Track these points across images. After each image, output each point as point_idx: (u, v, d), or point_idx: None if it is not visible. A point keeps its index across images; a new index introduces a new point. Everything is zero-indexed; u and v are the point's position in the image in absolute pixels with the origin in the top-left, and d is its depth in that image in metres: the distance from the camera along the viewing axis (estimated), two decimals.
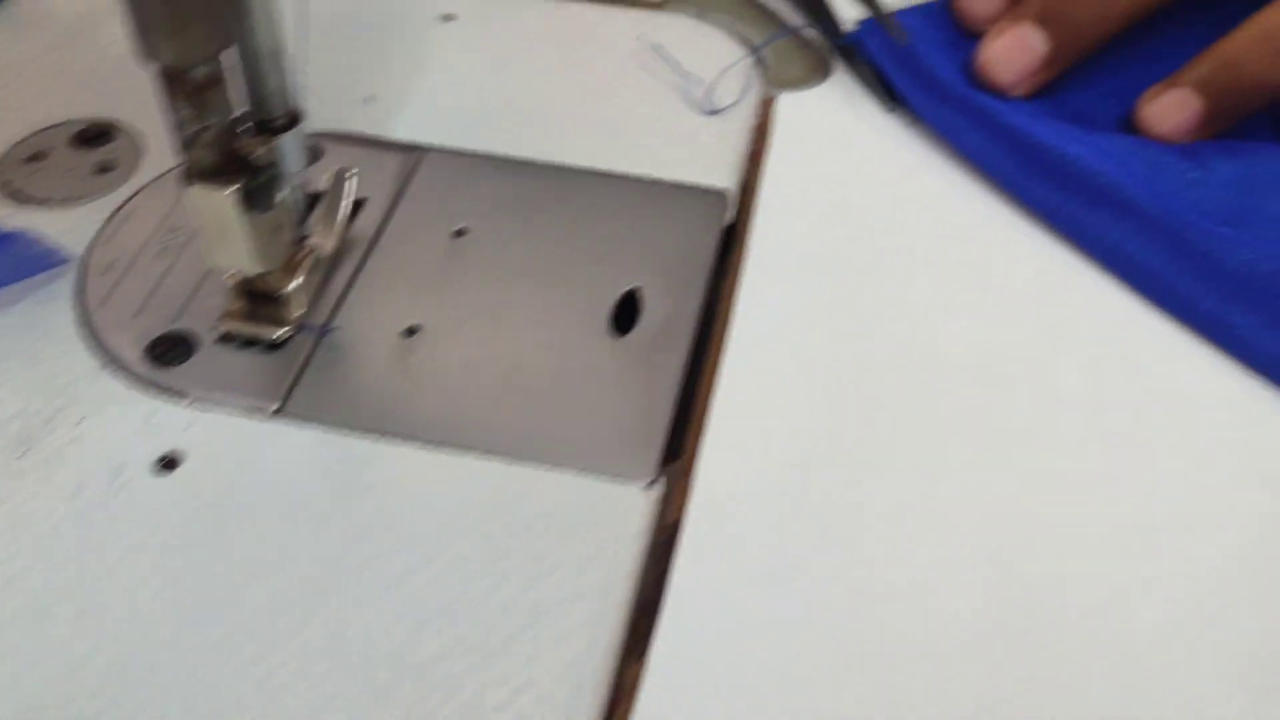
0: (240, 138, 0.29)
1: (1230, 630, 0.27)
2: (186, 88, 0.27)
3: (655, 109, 0.39)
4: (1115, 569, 0.28)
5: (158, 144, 0.38)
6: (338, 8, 0.42)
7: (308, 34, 0.33)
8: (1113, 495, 0.30)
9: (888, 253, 0.35)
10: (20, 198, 0.36)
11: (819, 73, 0.41)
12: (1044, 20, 0.37)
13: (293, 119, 0.31)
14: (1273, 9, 0.36)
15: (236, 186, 0.28)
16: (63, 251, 0.34)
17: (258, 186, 0.29)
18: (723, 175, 0.37)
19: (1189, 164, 0.35)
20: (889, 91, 0.39)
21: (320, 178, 0.35)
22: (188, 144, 0.28)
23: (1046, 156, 0.35)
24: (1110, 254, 0.34)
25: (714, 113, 0.39)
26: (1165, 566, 0.28)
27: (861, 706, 0.26)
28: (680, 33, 0.42)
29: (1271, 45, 0.35)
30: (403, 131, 0.38)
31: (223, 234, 0.29)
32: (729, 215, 0.37)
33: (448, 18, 0.43)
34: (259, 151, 0.30)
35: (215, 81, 0.27)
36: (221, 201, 0.28)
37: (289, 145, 0.31)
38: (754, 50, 0.41)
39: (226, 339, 0.32)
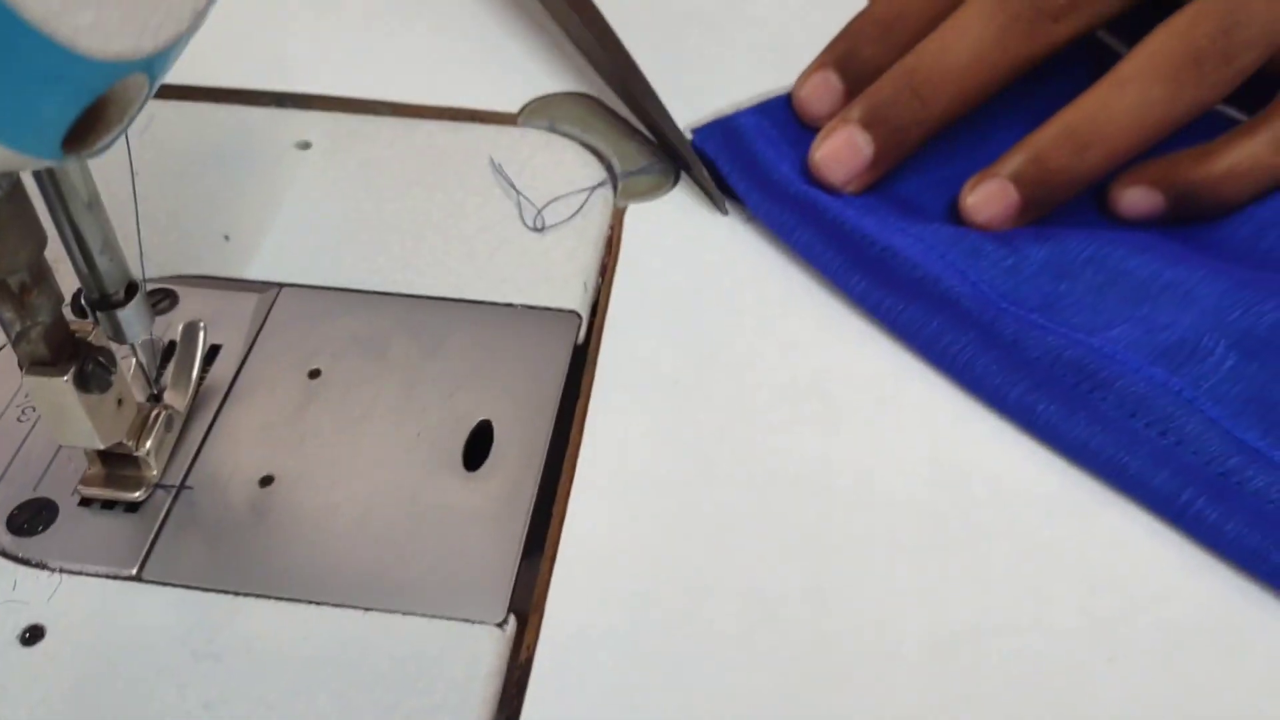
0: (73, 321, 0.30)
1: None
2: (6, 294, 0.28)
3: (507, 230, 0.40)
4: (928, 684, 0.30)
5: None
6: (195, 142, 0.43)
7: (136, 193, 0.34)
8: (932, 606, 0.31)
9: (731, 367, 0.36)
10: None
11: (669, 180, 0.42)
12: (868, 123, 0.39)
13: (130, 291, 0.32)
14: (1075, 106, 0.37)
15: (70, 374, 0.29)
16: None
17: (93, 370, 0.30)
18: (573, 296, 0.38)
19: (1005, 250, 0.37)
20: (729, 193, 0.41)
21: (174, 327, 0.35)
22: (17, 340, 0.29)
23: (869, 250, 0.37)
24: (929, 346, 0.36)
25: (542, 230, 0.40)
26: (977, 682, 0.30)
27: None
28: (533, 147, 0.43)
29: (1074, 141, 0.37)
30: (258, 269, 0.39)
31: (63, 417, 0.30)
32: (580, 335, 0.38)
33: (304, 145, 0.44)
34: (93, 334, 0.30)
35: (36, 284, 0.28)
36: (58, 388, 0.29)
37: (131, 315, 0.32)
38: (610, 179, 0.42)
39: (86, 503, 0.33)
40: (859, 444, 0.34)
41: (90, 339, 0.30)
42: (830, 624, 0.31)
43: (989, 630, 0.31)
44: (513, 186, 0.41)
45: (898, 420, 0.35)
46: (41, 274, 0.28)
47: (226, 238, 0.40)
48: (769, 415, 0.35)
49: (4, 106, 0.20)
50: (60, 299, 0.29)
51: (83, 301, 0.31)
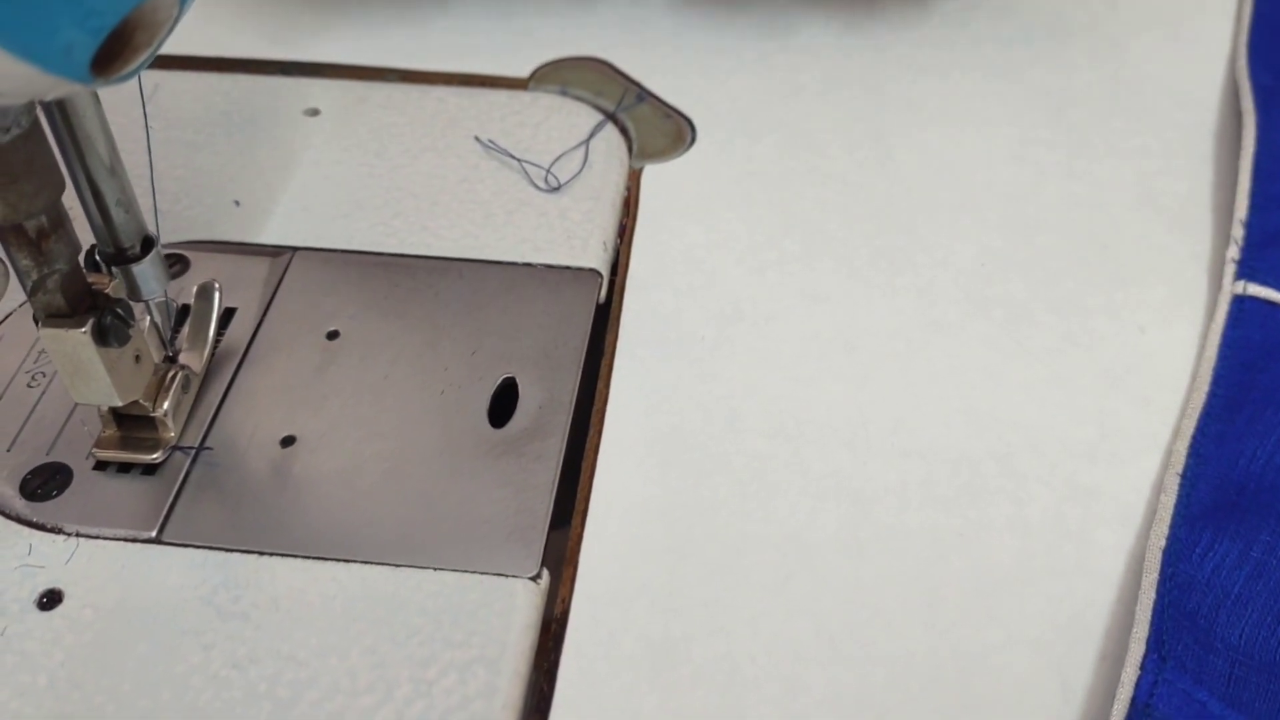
0: (89, 275, 0.29)
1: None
2: (23, 240, 0.27)
3: (524, 193, 0.40)
4: (971, 631, 0.29)
5: None
6: (203, 110, 0.43)
7: (151, 154, 0.33)
8: (974, 558, 0.31)
9: (752, 321, 0.36)
10: None
11: (683, 141, 0.42)
12: None
13: (147, 245, 0.31)
14: None
15: (88, 325, 0.28)
16: None
17: (112, 322, 0.29)
18: (593, 255, 0.38)
19: None
20: None
21: (188, 290, 0.35)
22: (34, 290, 0.28)
23: None
24: None
25: (556, 189, 0.39)
26: (1023, 626, 0.29)
27: None
28: (546, 110, 0.43)
29: None
30: (271, 234, 0.39)
31: (80, 372, 0.29)
32: (602, 294, 0.37)
33: (312, 112, 0.43)
34: (110, 286, 0.30)
35: (53, 229, 0.27)
36: (76, 341, 0.28)
37: (146, 272, 0.31)
38: (610, 116, 0.42)
39: (101, 467, 0.32)
40: (890, 395, 0.34)
41: (108, 291, 0.29)
42: (868, 571, 0.30)
43: (1029, 576, 0.30)
44: (510, 155, 0.41)
45: (928, 371, 0.34)
46: (59, 220, 0.27)
47: (237, 203, 0.39)
48: (796, 368, 0.35)
49: (33, 22, 0.20)
50: (78, 248, 0.28)
51: (97, 256, 0.30)
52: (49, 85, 0.21)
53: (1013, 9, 0.47)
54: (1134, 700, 0.27)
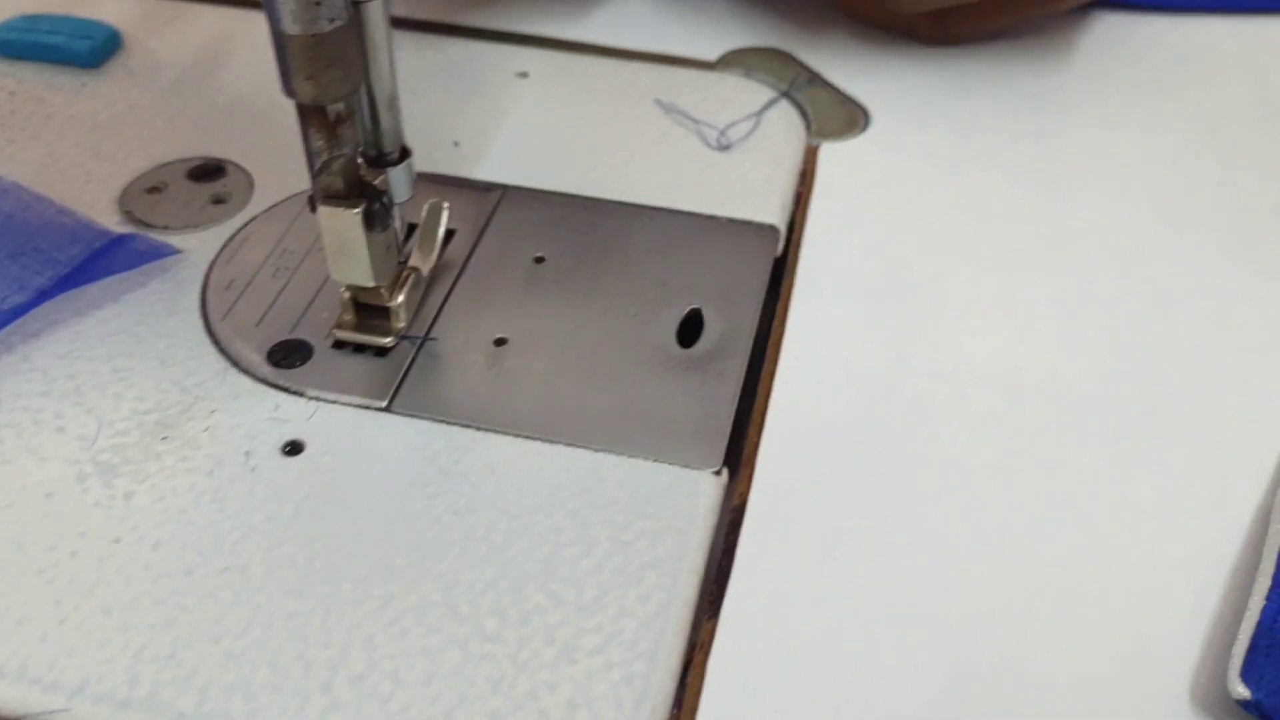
0: (361, 168, 0.34)
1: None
2: (322, 122, 0.32)
3: (711, 156, 0.44)
4: (1120, 557, 0.32)
5: (265, 180, 0.42)
6: (426, 65, 0.47)
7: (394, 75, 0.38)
8: (1123, 490, 0.33)
9: (922, 280, 0.39)
10: (141, 225, 0.41)
11: (856, 125, 0.46)
12: None
13: (403, 154, 0.35)
14: None
15: (360, 208, 0.33)
16: (173, 247, 0.39)
17: (376, 210, 0.33)
18: (772, 213, 0.42)
19: None
20: None
21: (415, 212, 0.39)
22: (319, 171, 0.33)
23: None
24: None
25: (727, 149, 0.44)
26: (1167, 553, 0.32)
27: (898, 661, 0.30)
28: (730, 90, 0.47)
29: None
30: (485, 173, 0.43)
31: (346, 250, 0.34)
32: (779, 249, 0.41)
33: (522, 75, 0.48)
34: (377, 180, 0.34)
35: (347, 117, 0.32)
36: (348, 220, 0.33)
37: (399, 177, 0.35)
38: (784, 94, 0.46)
39: (338, 346, 0.36)
40: (1046, 351, 0.37)
41: (377, 183, 0.34)
42: (1022, 494, 0.33)
43: (1167, 511, 0.33)
44: (687, 116, 0.45)
45: (1083, 336, 0.38)
46: (352, 110, 0.32)
47: (456, 144, 0.44)
48: (960, 322, 0.38)
49: None
50: (359, 141, 0.33)
51: (360, 159, 0.35)
52: None
53: (1165, 34, 0.50)
54: (1259, 623, 0.30)
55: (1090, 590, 0.31)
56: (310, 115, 0.31)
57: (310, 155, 0.32)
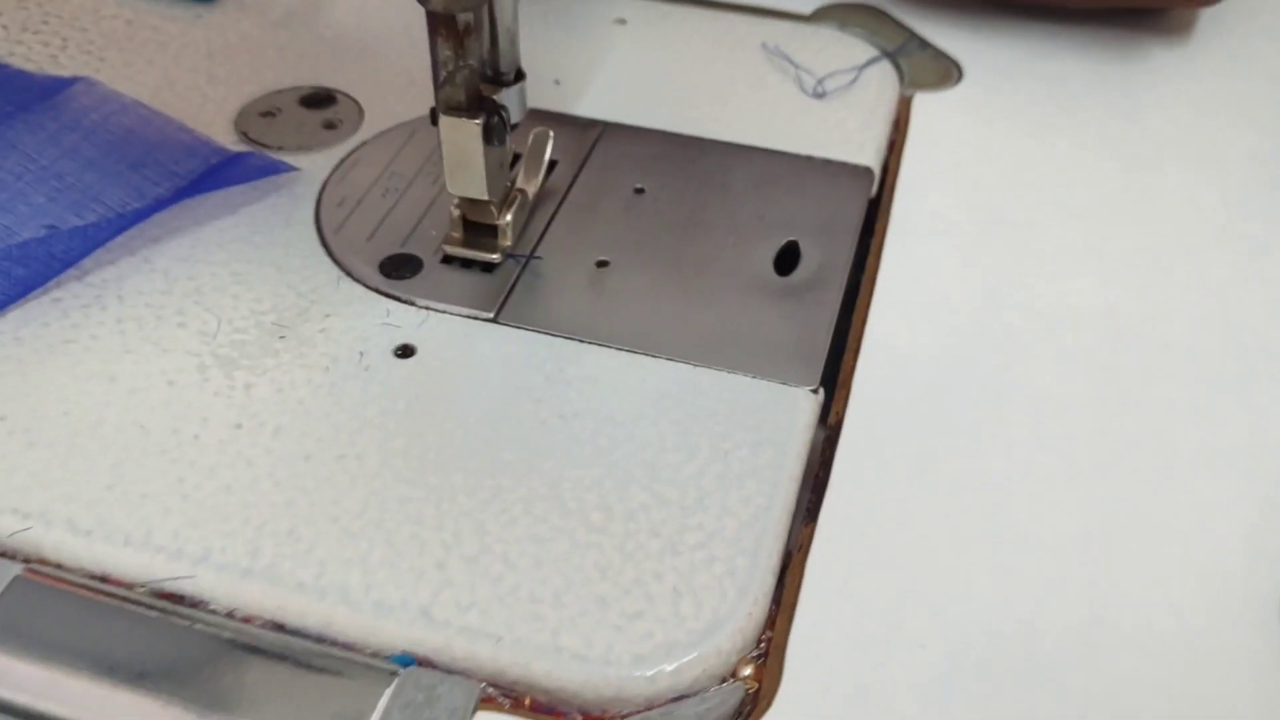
0: (480, 84, 0.35)
1: None
2: (452, 30, 0.33)
3: (806, 101, 0.45)
4: (1203, 489, 0.32)
5: (374, 109, 0.44)
6: (530, 10, 0.49)
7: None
8: (1210, 425, 0.34)
9: (1015, 224, 0.40)
10: (257, 145, 0.42)
11: (950, 79, 0.46)
12: None
13: (519, 75, 0.37)
14: None
15: (480, 120, 0.34)
16: (289, 164, 0.40)
17: (494, 124, 0.35)
18: (867, 156, 0.42)
19: None
20: None
21: (520, 142, 0.40)
22: (444, 82, 0.34)
23: None
24: None
25: (822, 96, 0.45)
26: (1252, 488, 0.32)
27: (989, 577, 0.30)
28: (824, 41, 0.48)
29: None
30: (585, 109, 0.44)
31: (464, 161, 0.35)
32: (873, 190, 0.42)
33: (620, 21, 0.49)
34: (495, 96, 0.35)
35: (475, 29, 0.33)
36: (468, 131, 0.34)
37: (514, 97, 0.37)
38: (889, 54, 0.47)
39: (447, 261, 0.38)
40: (1136, 295, 0.38)
41: (496, 98, 0.35)
42: (1112, 426, 0.34)
43: (1259, 445, 0.33)
44: (789, 61, 0.46)
45: (1172, 281, 0.38)
46: (479, 24, 0.33)
47: (557, 82, 0.45)
48: (1051, 264, 0.39)
49: None
50: (482, 56, 0.34)
51: None
52: None
53: (1262, 9, 0.51)
54: None
55: (1179, 518, 0.32)
56: (440, 23, 0.33)
57: (436, 65, 0.34)
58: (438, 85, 0.34)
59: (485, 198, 0.36)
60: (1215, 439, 0.34)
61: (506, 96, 0.36)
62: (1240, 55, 0.48)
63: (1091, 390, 0.35)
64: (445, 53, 0.33)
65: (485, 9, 0.35)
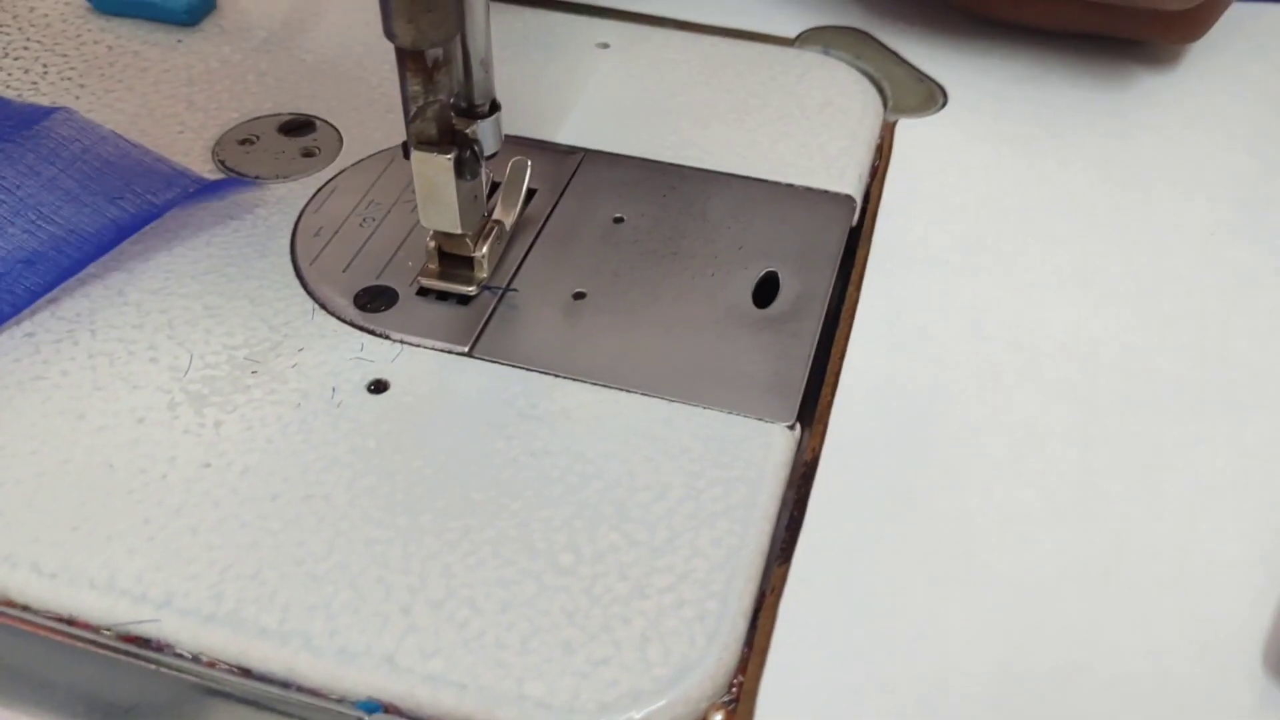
0: (453, 117, 0.35)
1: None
2: (420, 66, 0.33)
3: (786, 126, 0.44)
4: (1189, 528, 0.32)
5: (353, 136, 0.43)
6: (510, 34, 0.48)
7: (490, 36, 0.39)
8: (1196, 462, 0.33)
9: (998, 252, 0.40)
10: (234, 174, 0.42)
11: (934, 103, 0.46)
12: None
13: (494, 107, 0.36)
14: None
15: (452, 155, 0.34)
16: (256, 181, 0.41)
17: (466, 158, 0.34)
18: (848, 184, 0.42)
19: None
20: None
21: (498, 173, 0.40)
22: (414, 117, 0.34)
23: None
24: None
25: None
26: (1239, 528, 0.32)
27: (964, 621, 0.30)
28: (808, 65, 0.47)
29: None
30: (565, 137, 0.44)
31: (436, 196, 0.34)
32: (854, 219, 0.41)
33: (603, 45, 0.48)
34: (467, 130, 0.35)
35: (445, 63, 0.33)
36: (439, 166, 0.34)
37: (489, 128, 0.36)
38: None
39: (422, 294, 0.37)
40: (1120, 325, 0.37)
41: (468, 132, 0.35)
42: (1094, 462, 0.33)
43: (1242, 483, 0.33)
44: (808, 93, 0.45)
45: (1157, 311, 0.38)
46: (449, 57, 0.33)
47: (537, 109, 0.45)
48: (1034, 294, 0.38)
49: None
50: (452, 90, 0.34)
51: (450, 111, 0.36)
52: None
53: (1246, 23, 0.50)
54: None
55: (1161, 559, 0.31)
56: (409, 59, 0.32)
57: (406, 100, 0.33)
58: (408, 120, 0.33)
59: (458, 231, 0.35)
60: (1200, 476, 0.33)
61: (481, 128, 0.36)
62: (1228, 76, 0.48)
63: (1074, 425, 0.34)
64: (415, 88, 0.33)
65: (457, 41, 0.34)
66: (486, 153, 0.36)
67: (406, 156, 0.34)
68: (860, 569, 0.31)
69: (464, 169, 0.34)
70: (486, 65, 0.35)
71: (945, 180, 0.42)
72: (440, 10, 0.31)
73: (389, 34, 0.32)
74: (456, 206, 0.34)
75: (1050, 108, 0.46)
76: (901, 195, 0.42)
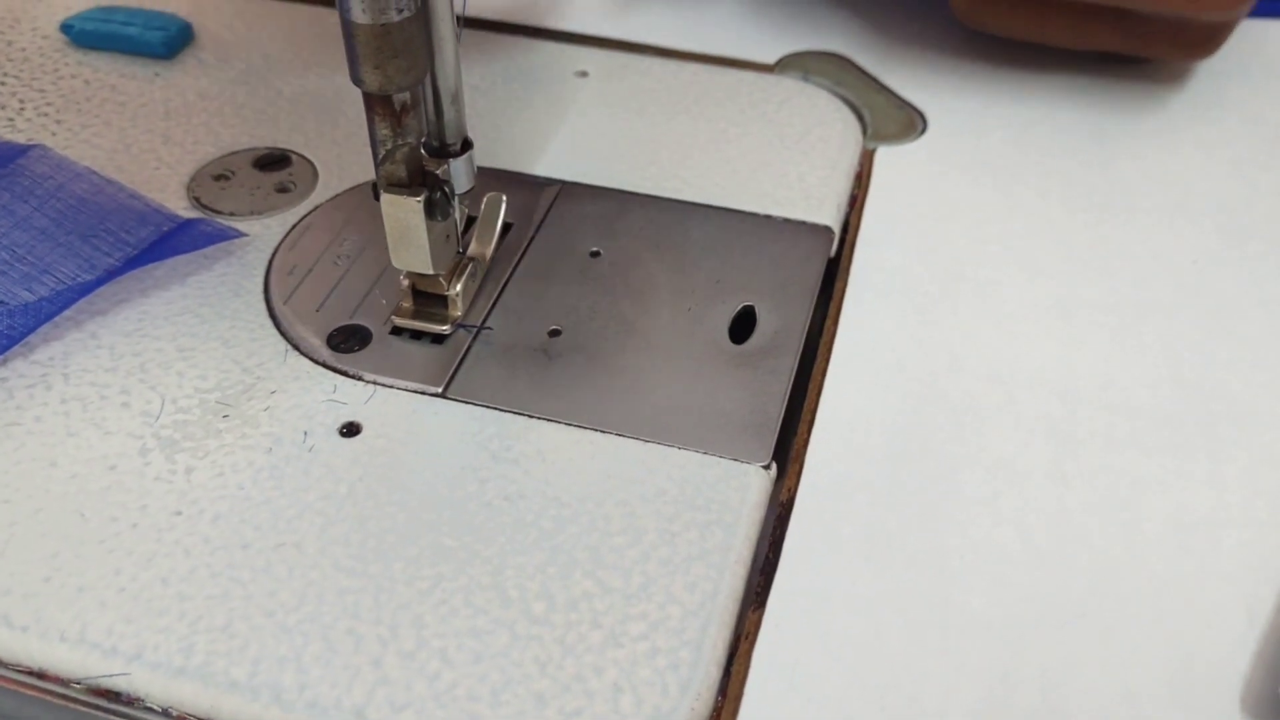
0: (423, 158, 0.35)
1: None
2: (388, 110, 0.32)
3: (766, 155, 0.44)
4: (1168, 568, 0.32)
5: (329, 170, 0.43)
6: (486, 63, 0.48)
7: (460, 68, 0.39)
8: (1176, 498, 0.33)
9: (976, 284, 0.39)
10: (208, 211, 0.42)
11: (913, 130, 0.46)
12: None
13: (465, 146, 0.36)
14: None
15: (422, 196, 0.33)
16: (238, 230, 0.40)
17: (437, 199, 0.34)
18: (827, 214, 0.42)
19: None
20: None
21: (475, 205, 0.40)
22: (384, 160, 0.33)
23: None
24: None
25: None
26: (1218, 567, 0.32)
27: (941, 663, 0.30)
28: (788, 92, 0.47)
29: None
30: (543, 169, 0.44)
31: (406, 237, 0.34)
32: (833, 250, 0.41)
33: (582, 74, 0.48)
34: (438, 171, 0.35)
35: (412, 107, 0.33)
36: (409, 208, 0.34)
37: (460, 168, 0.36)
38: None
39: (396, 333, 0.37)
40: (1100, 358, 0.37)
41: (439, 173, 0.34)
42: (1072, 498, 0.33)
43: (1223, 521, 0.32)
44: (788, 121, 0.45)
45: (1138, 343, 0.37)
46: (417, 100, 0.32)
47: (514, 142, 0.44)
48: (1013, 326, 0.38)
49: None
50: (422, 132, 0.34)
51: (422, 150, 0.35)
52: None
53: (1230, 43, 0.50)
54: None
55: (1139, 599, 0.31)
56: (376, 104, 0.32)
57: (375, 143, 0.33)
58: (377, 164, 0.33)
59: (430, 272, 0.35)
60: (1179, 514, 0.33)
61: (453, 167, 0.36)
62: (1208, 101, 0.48)
63: (1052, 461, 0.34)
64: (383, 131, 0.32)
65: (427, 80, 0.34)
66: (459, 191, 0.36)
67: (376, 198, 0.34)
68: (835, 612, 0.30)
69: (435, 210, 0.34)
70: (458, 102, 0.35)
71: (924, 209, 0.42)
72: (408, 55, 0.31)
73: (355, 80, 0.32)
74: (428, 248, 0.34)
75: (1030, 133, 0.46)
76: (880, 225, 0.42)
